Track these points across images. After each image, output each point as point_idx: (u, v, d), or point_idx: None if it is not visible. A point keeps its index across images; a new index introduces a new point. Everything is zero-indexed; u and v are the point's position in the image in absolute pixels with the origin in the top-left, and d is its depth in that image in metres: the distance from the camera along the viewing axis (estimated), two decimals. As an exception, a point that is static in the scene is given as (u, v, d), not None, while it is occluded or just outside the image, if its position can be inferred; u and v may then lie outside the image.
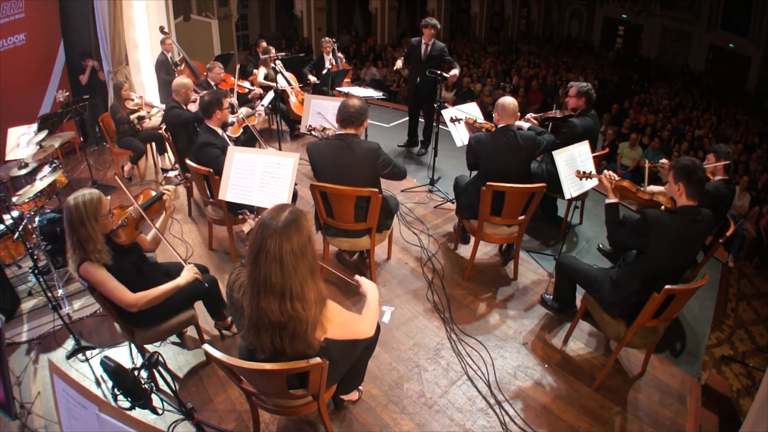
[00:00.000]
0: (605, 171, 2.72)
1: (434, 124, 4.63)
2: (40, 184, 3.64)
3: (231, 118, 3.93)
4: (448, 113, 3.87)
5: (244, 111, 4.19)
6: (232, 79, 5.20)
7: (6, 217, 3.31)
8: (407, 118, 5.63)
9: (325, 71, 5.77)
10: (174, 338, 2.81)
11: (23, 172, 3.83)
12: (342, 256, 3.66)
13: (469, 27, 16.51)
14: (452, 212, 4.12)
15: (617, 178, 2.67)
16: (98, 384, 2.55)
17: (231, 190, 3.04)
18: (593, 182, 3.10)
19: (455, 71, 4.70)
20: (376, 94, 5.02)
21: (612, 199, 2.60)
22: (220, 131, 3.42)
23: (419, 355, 2.76)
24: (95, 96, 5.69)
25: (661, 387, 2.63)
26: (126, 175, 4.93)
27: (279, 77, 5.66)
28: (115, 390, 1.51)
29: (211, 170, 3.19)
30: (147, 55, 5.98)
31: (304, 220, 1.58)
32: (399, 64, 5.20)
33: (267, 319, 1.58)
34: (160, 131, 4.74)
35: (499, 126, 3.14)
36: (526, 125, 3.53)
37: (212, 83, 5.06)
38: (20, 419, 2.30)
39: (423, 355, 2.77)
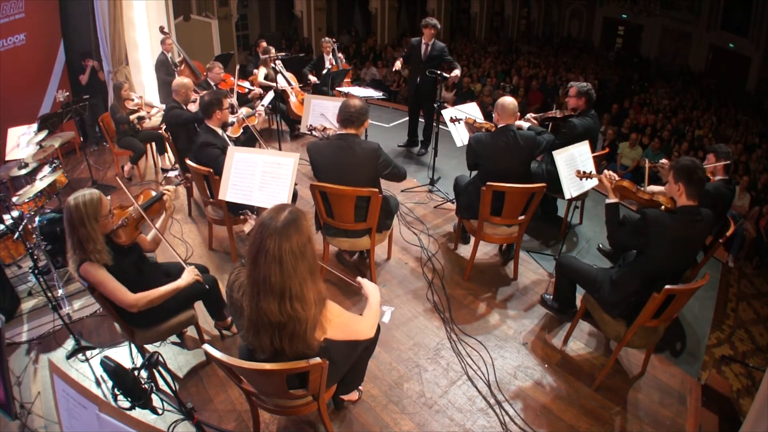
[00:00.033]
0: (605, 171, 2.72)
1: (434, 124, 4.63)
2: (40, 184, 3.64)
3: (231, 119, 3.94)
4: (448, 113, 3.87)
5: (244, 111, 4.19)
6: (232, 79, 5.21)
7: (6, 217, 3.31)
8: (407, 118, 5.62)
9: (325, 71, 5.77)
10: (174, 338, 2.81)
11: (23, 172, 3.83)
12: (342, 256, 3.66)
13: (469, 27, 16.51)
14: (452, 212, 4.12)
15: (617, 178, 2.67)
16: (98, 384, 2.55)
17: (231, 190, 3.04)
18: (593, 182, 3.10)
19: (457, 72, 4.70)
20: (376, 94, 5.02)
21: (612, 199, 2.60)
22: (220, 131, 3.42)
23: (419, 355, 2.76)
24: (95, 96, 5.69)
25: (661, 387, 2.63)
26: (126, 175, 4.93)
27: (279, 77, 5.66)
28: (115, 390, 1.51)
29: (211, 170, 3.19)
30: (147, 55, 5.98)
31: (303, 220, 1.58)
32: (398, 65, 5.20)
33: (266, 319, 1.58)
34: (160, 131, 4.74)
35: (499, 126, 3.14)
36: (526, 125, 3.53)
37: (212, 83, 5.06)
38: (20, 419, 2.30)
39: (423, 355, 2.77)
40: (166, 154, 5.13)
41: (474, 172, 3.43)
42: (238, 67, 5.10)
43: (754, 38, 11.23)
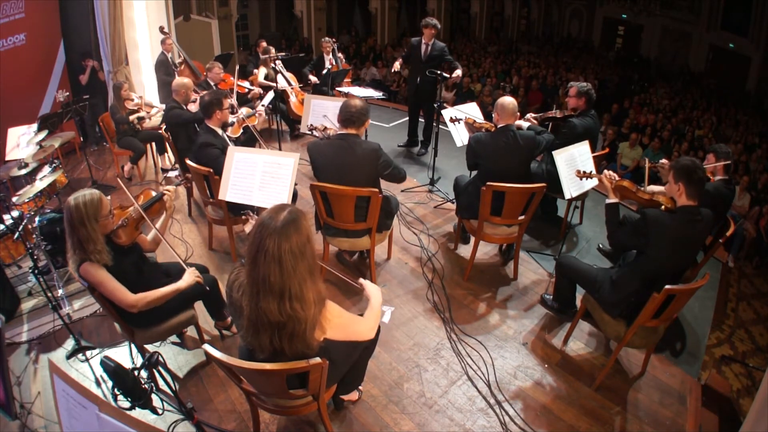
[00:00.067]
0: (605, 171, 2.72)
1: (434, 124, 4.63)
2: (40, 184, 3.64)
3: (231, 119, 3.93)
4: (447, 113, 3.87)
5: (244, 111, 4.19)
6: (232, 79, 5.21)
7: (6, 217, 3.31)
8: (407, 118, 5.62)
9: (325, 71, 5.77)
10: (174, 338, 2.81)
11: (23, 172, 3.83)
12: (342, 256, 3.66)
13: (469, 27, 16.51)
14: (452, 212, 4.12)
15: (617, 178, 2.67)
16: (98, 384, 2.55)
17: (231, 190, 3.04)
18: (593, 182, 3.10)
19: (458, 72, 4.70)
20: (376, 94, 5.02)
21: (612, 199, 2.60)
22: (220, 131, 3.42)
23: (419, 355, 2.76)
24: (95, 96, 5.69)
25: (661, 387, 2.63)
26: (126, 175, 4.93)
27: (279, 77, 5.66)
28: (115, 390, 1.51)
29: (211, 170, 3.19)
30: (147, 55, 5.98)
31: (303, 220, 1.58)
32: (396, 66, 5.20)
33: (266, 319, 1.58)
34: (160, 131, 4.74)
35: (499, 126, 3.14)
36: (525, 124, 3.53)
37: (211, 83, 5.07)
38: (20, 419, 2.30)
39: (423, 355, 2.77)
40: (166, 154, 5.13)
41: (474, 172, 3.43)
42: (237, 67, 5.10)
43: (754, 38, 11.23)
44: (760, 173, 6.85)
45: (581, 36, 15.83)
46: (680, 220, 2.24)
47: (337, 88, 5.51)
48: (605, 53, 14.84)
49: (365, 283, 1.99)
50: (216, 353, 1.73)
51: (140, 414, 1.60)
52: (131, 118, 4.71)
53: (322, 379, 1.80)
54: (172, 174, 4.96)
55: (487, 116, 3.90)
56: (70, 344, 2.80)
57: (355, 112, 2.79)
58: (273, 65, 5.75)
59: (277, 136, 5.47)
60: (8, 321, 3.02)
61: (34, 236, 3.29)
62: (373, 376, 2.59)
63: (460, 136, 3.82)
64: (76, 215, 2.04)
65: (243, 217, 3.34)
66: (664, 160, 3.27)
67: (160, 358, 1.59)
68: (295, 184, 3.08)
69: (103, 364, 1.51)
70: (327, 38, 6.12)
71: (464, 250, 3.68)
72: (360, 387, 2.46)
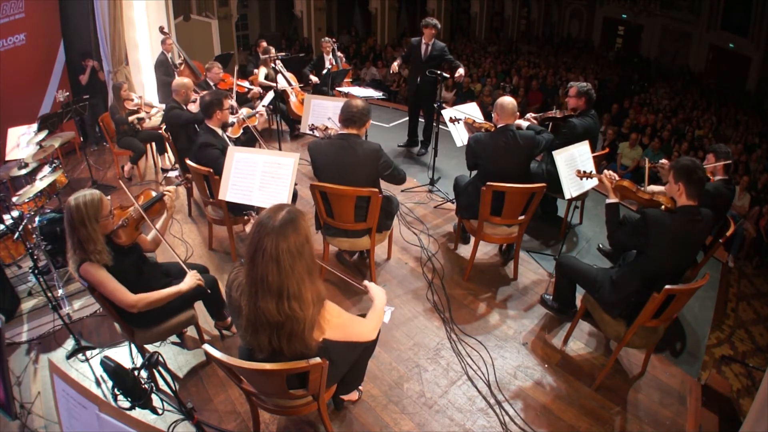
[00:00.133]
0: (605, 171, 2.72)
1: (434, 124, 4.63)
2: (40, 184, 3.64)
3: (231, 119, 3.94)
4: (447, 113, 3.87)
5: (244, 111, 4.19)
6: (231, 78, 5.21)
7: (6, 217, 3.31)
8: (407, 118, 5.62)
9: (325, 71, 5.77)
10: (174, 338, 2.81)
11: (23, 172, 3.83)
12: (342, 256, 3.66)
13: (469, 27, 16.51)
14: (452, 212, 4.12)
15: (617, 177, 2.67)
16: (98, 384, 2.55)
17: (231, 190, 3.04)
18: (593, 182, 3.10)
19: (461, 71, 4.70)
20: (376, 94, 5.02)
21: (612, 199, 2.60)
22: (220, 132, 3.42)
23: (419, 355, 2.76)
24: (95, 96, 5.69)
25: (661, 387, 2.63)
26: (126, 175, 4.93)
27: (279, 77, 5.66)
28: (115, 390, 1.51)
29: (211, 170, 3.19)
30: (147, 55, 5.98)
31: (301, 219, 1.57)
32: (395, 67, 5.19)
33: (264, 318, 1.58)
34: (160, 131, 4.74)
35: (499, 126, 3.14)
36: (525, 124, 3.53)
37: (211, 83, 5.07)
38: (20, 419, 2.30)
39: (423, 355, 2.77)
40: (166, 154, 5.13)
41: (474, 172, 3.43)
42: (237, 67, 5.10)
43: (754, 38, 11.23)
44: (760, 173, 6.85)
45: (581, 36, 15.83)
46: (680, 220, 2.24)
47: (337, 88, 5.51)
48: (605, 53, 14.84)
49: (370, 285, 1.99)
50: (216, 353, 1.73)
51: (140, 414, 1.60)
52: (131, 118, 4.71)
53: (322, 379, 1.79)
54: (172, 174, 4.96)
55: (487, 116, 3.90)
56: (70, 344, 2.80)
57: (357, 112, 2.80)
58: (273, 65, 5.75)
59: (277, 136, 5.47)
60: (8, 321, 3.02)
61: (34, 236, 3.29)
62: (373, 376, 2.59)
63: (460, 136, 3.82)
64: (76, 215, 2.04)
65: (245, 217, 3.34)
66: (664, 160, 3.27)
67: (160, 358, 1.59)
68: (295, 184, 3.09)
69: (103, 364, 1.51)
70: (327, 38, 6.12)
71: (464, 250, 3.68)
72: (360, 387, 2.46)
